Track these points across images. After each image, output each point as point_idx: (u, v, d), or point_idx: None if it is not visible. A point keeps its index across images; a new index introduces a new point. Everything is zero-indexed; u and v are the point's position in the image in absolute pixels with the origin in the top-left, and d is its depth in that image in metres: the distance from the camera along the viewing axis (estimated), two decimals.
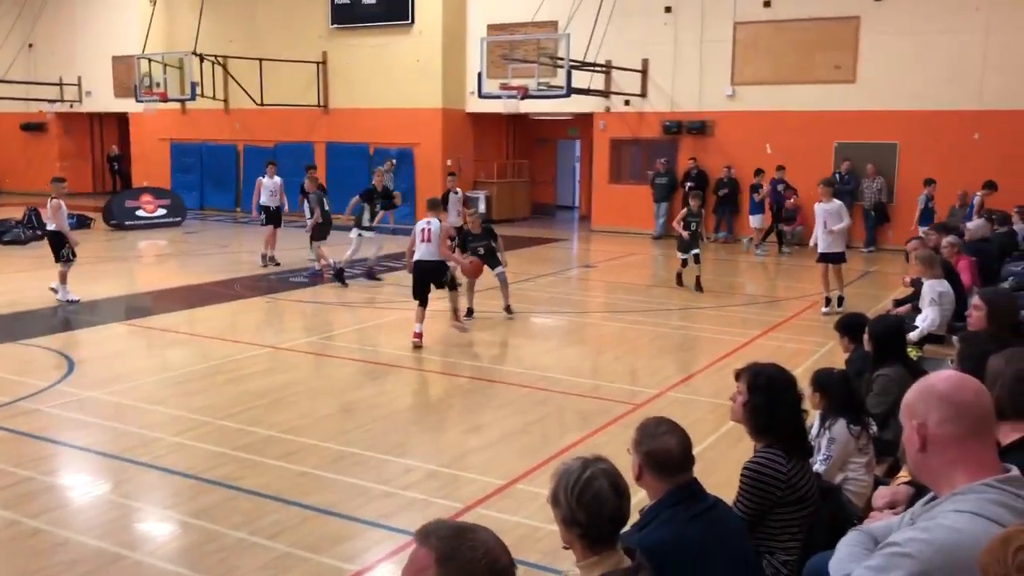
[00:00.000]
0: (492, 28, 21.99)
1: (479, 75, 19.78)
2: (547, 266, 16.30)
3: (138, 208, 22.13)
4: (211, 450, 6.60)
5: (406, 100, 22.90)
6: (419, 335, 9.79)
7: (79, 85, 29.09)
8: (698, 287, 13.41)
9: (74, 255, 12.33)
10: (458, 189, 16.39)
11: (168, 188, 25.10)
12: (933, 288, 7.79)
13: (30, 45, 29.47)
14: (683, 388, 8.50)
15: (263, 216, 16.12)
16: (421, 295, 9.89)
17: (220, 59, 23.16)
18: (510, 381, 8.71)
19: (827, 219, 11.78)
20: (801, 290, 13.83)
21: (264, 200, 16.08)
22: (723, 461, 6.03)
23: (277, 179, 16.05)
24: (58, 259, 12.23)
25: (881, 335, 5.60)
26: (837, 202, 12.05)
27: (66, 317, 11.64)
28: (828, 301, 11.97)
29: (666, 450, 3.12)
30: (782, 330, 11.03)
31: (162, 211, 22.54)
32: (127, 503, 5.82)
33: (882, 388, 5.37)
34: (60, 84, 29.05)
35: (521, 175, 25.27)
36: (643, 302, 12.99)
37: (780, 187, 18.36)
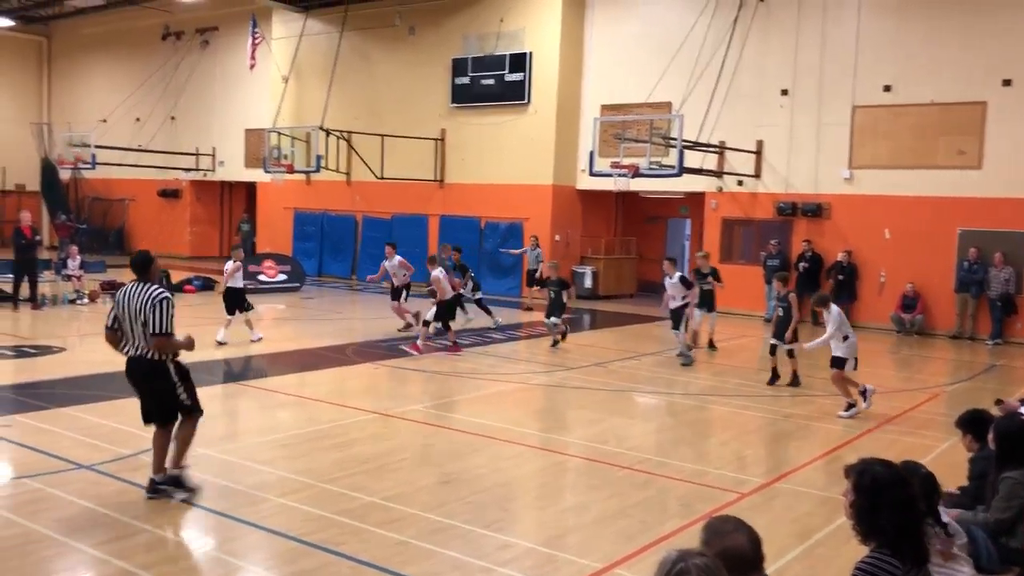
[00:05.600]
0: (606, 108, 22.36)
1: (591, 153, 20.08)
2: (652, 344, 16.13)
3: (260, 272, 23.13)
4: (314, 513, 6.73)
5: (518, 176, 23.39)
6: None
7: (213, 155, 30.89)
8: (793, 381, 12.40)
9: (251, 305, 14.86)
10: (536, 246, 21.35)
11: (289, 254, 26.19)
12: None
13: (172, 118, 31.60)
14: (793, 479, 8.20)
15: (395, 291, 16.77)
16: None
17: (345, 134, 24.24)
18: (610, 461, 8.60)
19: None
20: (920, 381, 13.25)
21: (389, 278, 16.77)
22: (835, 558, 5.76)
23: (396, 259, 16.44)
24: (242, 310, 14.52)
25: (1008, 434, 5.31)
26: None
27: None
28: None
29: (738, 548, 3.01)
30: (898, 423, 10.56)
31: (283, 276, 23.50)
32: (232, 561, 5.97)
33: (1009, 492, 5.06)
34: (196, 154, 30.91)
35: (629, 252, 25.29)
36: (751, 386, 12.67)
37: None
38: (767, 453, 9.26)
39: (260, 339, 14.67)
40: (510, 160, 23.57)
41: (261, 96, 28.81)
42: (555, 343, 15.12)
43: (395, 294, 16.62)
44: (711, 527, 3.12)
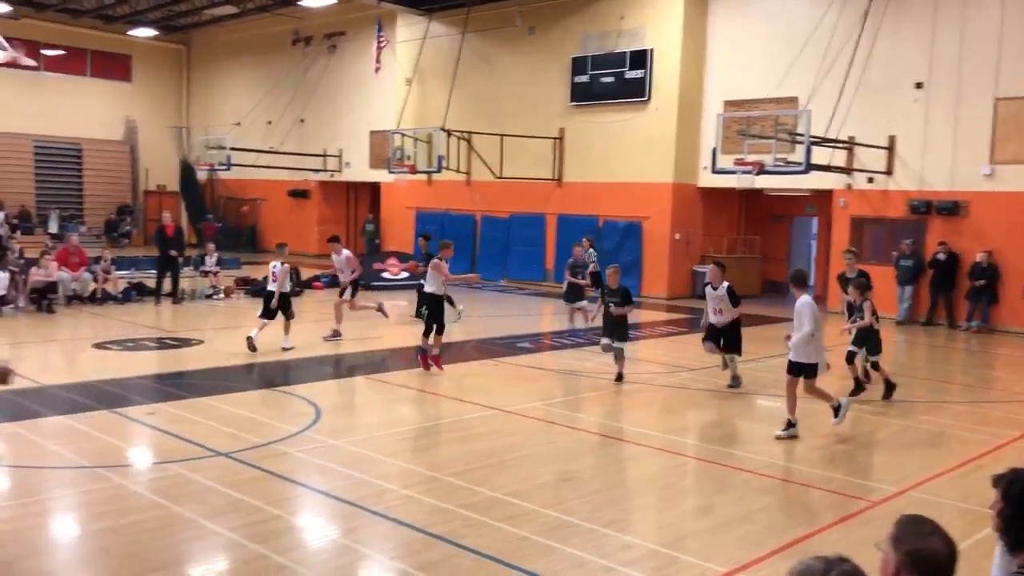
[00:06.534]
0: (729, 104, 21.91)
1: (714, 151, 19.72)
2: (776, 347, 15.69)
3: (384, 270, 23.75)
4: (438, 506, 6.87)
5: (638, 174, 23.19)
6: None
7: (340, 157, 31.88)
8: (887, 393, 11.33)
9: (293, 314, 13.91)
10: (590, 249, 18.55)
11: (411, 253, 26.75)
12: None
13: (302, 120, 32.79)
14: (927, 488, 7.84)
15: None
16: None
17: (465, 134, 24.60)
18: (734, 464, 8.43)
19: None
20: None
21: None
22: (976, 572, 5.48)
23: (345, 253, 15.52)
24: (287, 316, 13.60)
25: None
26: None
27: (317, 368, 12.64)
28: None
29: (932, 552, 2.74)
30: None
31: (405, 274, 24.02)
32: (358, 549, 6.16)
33: None
34: (324, 155, 31.98)
35: (752, 251, 24.71)
36: (881, 390, 12.16)
37: None
38: (898, 461, 8.88)
39: (292, 349, 13.44)
40: (629, 158, 23.39)
41: (385, 98, 29.55)
42: (619, 376, 11.91)
43: (342, 291, 15.44)
44: (906, 524, 2.82)
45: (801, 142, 18.20)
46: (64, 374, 11.97)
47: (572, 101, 24.56)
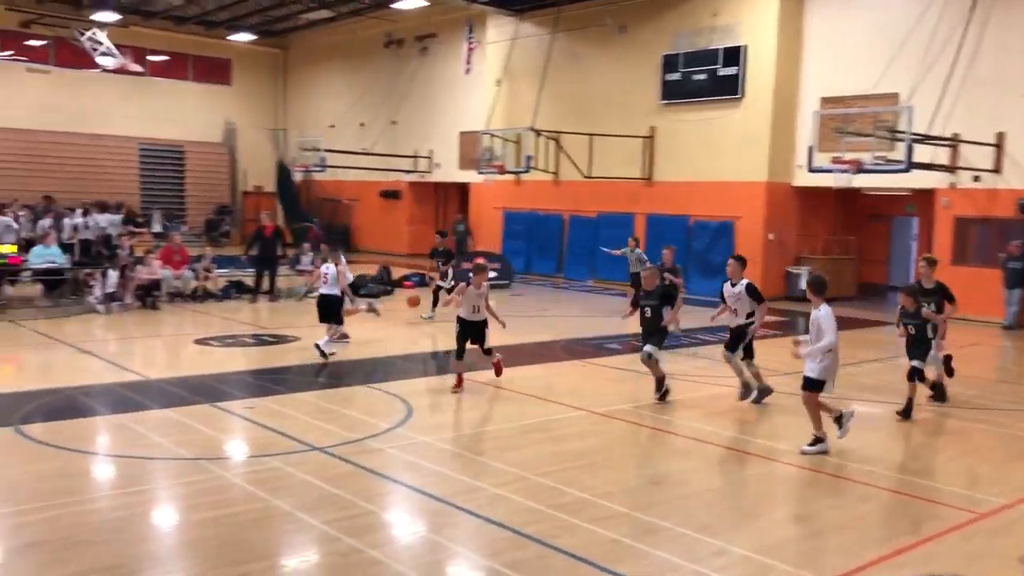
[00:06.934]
0: (826, 101, 21.33)
1: (810, 149, 19.24)
2: (874, 351, 15.24)
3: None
4: (527, 505, 6.87)
5: (730, 173, 22.80)
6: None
7: (430, 158, 32.27)
8: (937, 395, 10.88)
9: (342, 320, 13.20)
10: (636, 247, 18.51)
11: (499, 252, 26.91)
12: None
13: (393, 122, 33.32)
14: None
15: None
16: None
17: (554, 134, 24.59)
18: (830, 472, 8.20)
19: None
20: None
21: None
22: None
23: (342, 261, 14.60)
24: (338, 321, 13.04)
25: None
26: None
27: (407, 366, 12.82)
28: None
29: None
30: None
31: (493, 274, 24.13)
32: (450, 546, 6.21)
33: None
34: (414, 156, 32.42)
35: (848, 252, 24.02)
36: (987, 398, 11.67)
37: None
38: (1006, 473, 8.48)
39: (333, 355, 12.75)
40: (721, 156, 23.01)
41: (475, 99, 29.78)
42: (662, 392, 10.72)
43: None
44: None
45: (902, 140, 17.58)
46: (167, 368, 12.44)
47: (663, 99, 24.29)
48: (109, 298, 17.20)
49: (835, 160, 18.28)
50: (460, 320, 11.12)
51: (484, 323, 11.16)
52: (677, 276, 15.96)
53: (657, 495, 7.37)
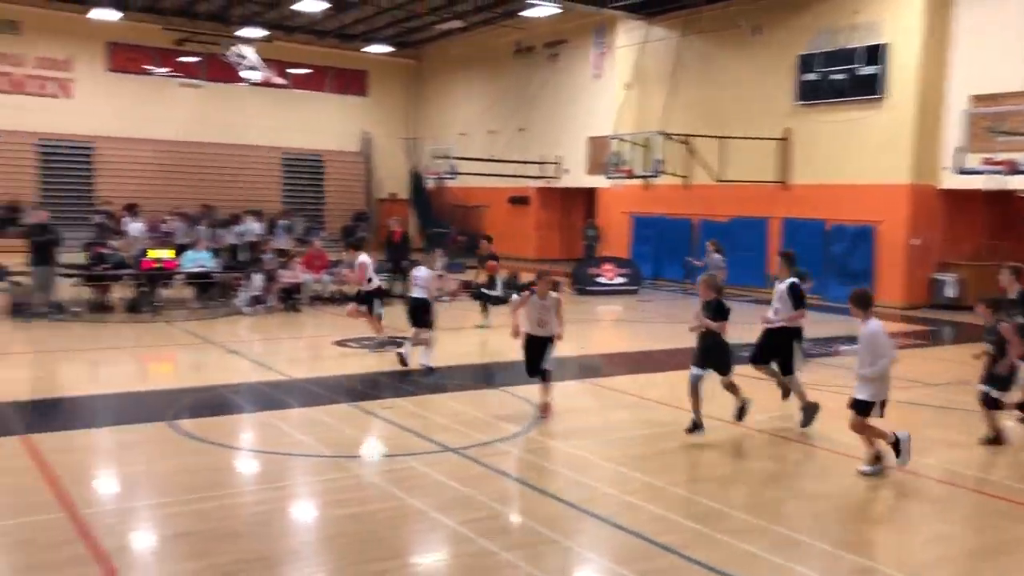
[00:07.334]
0: (976, 99, 20.21)
1: (958, 149, 18.27)
2: None
3: (600, 275, 23.89)
4: (658, 513, 6.80)
5: (870, 175, 21.91)
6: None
7: (559, 163, 32.38)
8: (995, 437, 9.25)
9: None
10: (715, 254, 18.87)
11: (628, 258, 26.73)
12: None
13: (521, 129, 33.63)
14: None
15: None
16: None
17: (684, 138, 24.24)
18: (979, 489, 7.76)
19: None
20: None
21: None
22: None
23: (361, 257, 14.40)
24: (428, 326, 12.50)
25: None
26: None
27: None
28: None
29: None
30: None
31: (621, 279, 24.07)
32: (581, 552, 6.21)
33: None
34: (542, 162, 32.61)
35: (1000, 258, 22.62)
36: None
37: None
38: None
39: (433, 370, 12.31)
40: (861, 158, 22.14)
41: (603, 104, 29.70)
42: (741, 410, 9.44)
43: (360, 299, 14.54)
44: None
45: None
46: (309, 368, 12.94)
47: (799, 100, 23.59)
48: (255, 301, 18.07)
49: (986, 161, 17.30)
50: (525, 334, 10.01)
51: (549, 339, 9.84)
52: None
53: (793, 508, 7.16)
